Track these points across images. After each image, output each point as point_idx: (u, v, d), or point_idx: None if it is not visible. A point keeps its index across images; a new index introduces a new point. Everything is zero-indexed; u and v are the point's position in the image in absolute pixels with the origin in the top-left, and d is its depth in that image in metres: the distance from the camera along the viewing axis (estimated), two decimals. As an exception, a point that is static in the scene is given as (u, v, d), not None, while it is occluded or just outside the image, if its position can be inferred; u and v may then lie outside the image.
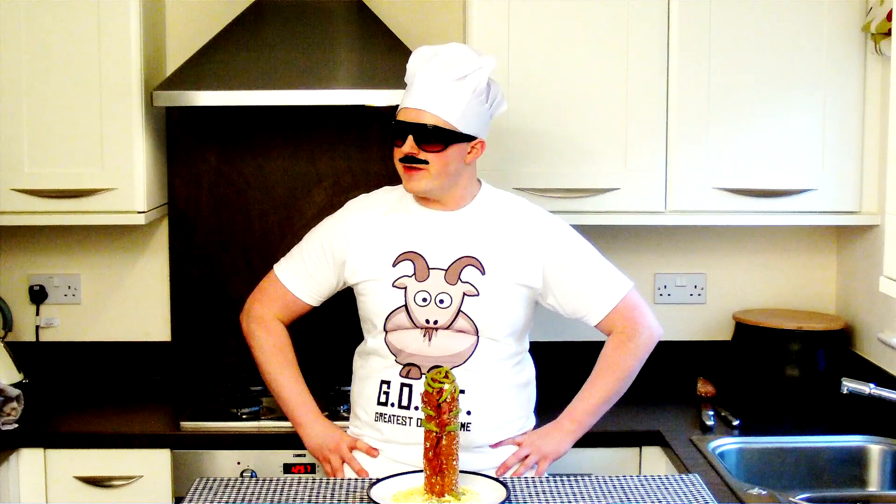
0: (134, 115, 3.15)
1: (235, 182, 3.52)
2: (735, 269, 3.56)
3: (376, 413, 2.59)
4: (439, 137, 2.49)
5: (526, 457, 2.60)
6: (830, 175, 3.17)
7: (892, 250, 2.37)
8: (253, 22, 3.26)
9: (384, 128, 3.47)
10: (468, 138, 2.54)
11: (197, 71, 3.14)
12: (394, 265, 2.57)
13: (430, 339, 2.55)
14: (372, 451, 2.61)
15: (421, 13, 3.47)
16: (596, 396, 2.64)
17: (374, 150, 3.50)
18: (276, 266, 2.76)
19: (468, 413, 2.54)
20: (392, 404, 2.57)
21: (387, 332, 2.58)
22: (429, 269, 2.56)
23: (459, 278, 2.55)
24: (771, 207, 3.19)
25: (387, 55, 3.14)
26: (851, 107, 3.15)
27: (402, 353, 2.57)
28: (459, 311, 2.54)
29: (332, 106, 3.34)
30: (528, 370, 2.70)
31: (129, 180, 3.16)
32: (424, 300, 2.55)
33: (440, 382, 2.26)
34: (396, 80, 2.64)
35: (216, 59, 3.17)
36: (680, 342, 3.53)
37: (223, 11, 3.38)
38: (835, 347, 3.30)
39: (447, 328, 2.55)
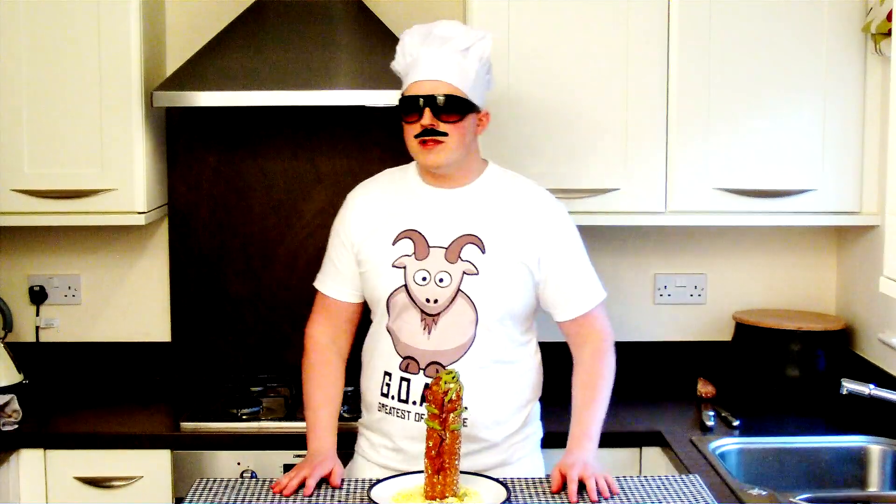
0: (134, 116, 3.15)
1: (235, 182, 3.52)
2: (735, 269, 3.56)
3: (379, 403, 2.59)
4: (456, 107, 2.48)
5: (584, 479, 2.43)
6: (830, 175, 3.17)
7: (892, 250, 2.37)
8: (253, 22, 3.26)
9: (384, 128, 3.47)
10: (477, 109, 2.54)
11: (197, 71, 3.13)
12: (393, 244, 2.56)
13: (429, 332, 2.54)
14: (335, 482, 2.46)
15: (421, 13, 3.46)
16: (601, 410, 2.58)
17: (374, 150, 3.49)
18: (315, 282, 2.72)
19: (465, 408, 2.52)
20: (392, 397, 2.56)
21: (389, 315, 2.57)
22: (429, 247, 2.54)
23: (459, 257, 2.53)
24: (771, 207, 3.19)
25: (387, 55, 3.12)
26: (851, 107, 3.15)
27: (400, 342, 2.55)
28: (459, 290, 2.53)
29: (332, 106, 3.34)
30: (529, 359, 2.65)
31: (129, 181, 3.16)
32: (424, 279, 2.52)
33: (447, 384, 2.26)
34: (396, 80, 2.63)
35: (216, 59, 3.17)
36: (680, 342, 3.53)
37: (223, 11, 3.38)
38: (835, 347, 3.29)
39: (446, 309, 2.52)
